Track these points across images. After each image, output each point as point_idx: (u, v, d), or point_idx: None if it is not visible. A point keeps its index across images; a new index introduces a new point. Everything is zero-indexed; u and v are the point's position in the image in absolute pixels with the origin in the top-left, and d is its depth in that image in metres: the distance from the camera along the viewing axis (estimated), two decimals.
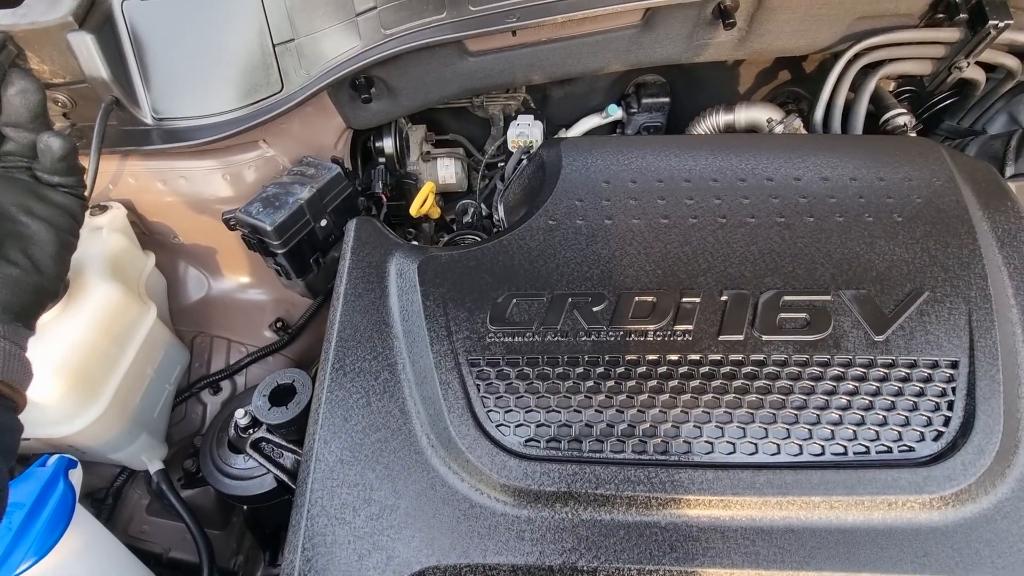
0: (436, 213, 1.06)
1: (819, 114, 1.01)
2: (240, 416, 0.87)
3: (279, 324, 1.15)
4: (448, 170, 1.27)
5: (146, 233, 1.07)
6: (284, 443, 0.81)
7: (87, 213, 0.94)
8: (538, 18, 0.83)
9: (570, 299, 0.64)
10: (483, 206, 1.15)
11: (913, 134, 0.97)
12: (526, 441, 0.58)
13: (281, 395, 0.86)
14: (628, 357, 0.61)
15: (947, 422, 0.57)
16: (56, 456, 0.69)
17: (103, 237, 0.91)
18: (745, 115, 1.18)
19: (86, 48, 0.83)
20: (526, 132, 0.97)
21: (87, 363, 0.79)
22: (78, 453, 0.87)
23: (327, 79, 0.88)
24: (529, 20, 0.83)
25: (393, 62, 0.92)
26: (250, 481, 0.90)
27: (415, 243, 1.00)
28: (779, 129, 1.07)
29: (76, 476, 0.69)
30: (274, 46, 0.88)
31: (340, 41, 0.89)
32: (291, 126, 1.00)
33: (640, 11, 0.89)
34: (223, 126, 0.91)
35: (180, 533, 0.96)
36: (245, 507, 0.95)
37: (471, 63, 0.97)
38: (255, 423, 0.86)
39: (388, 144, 1.11)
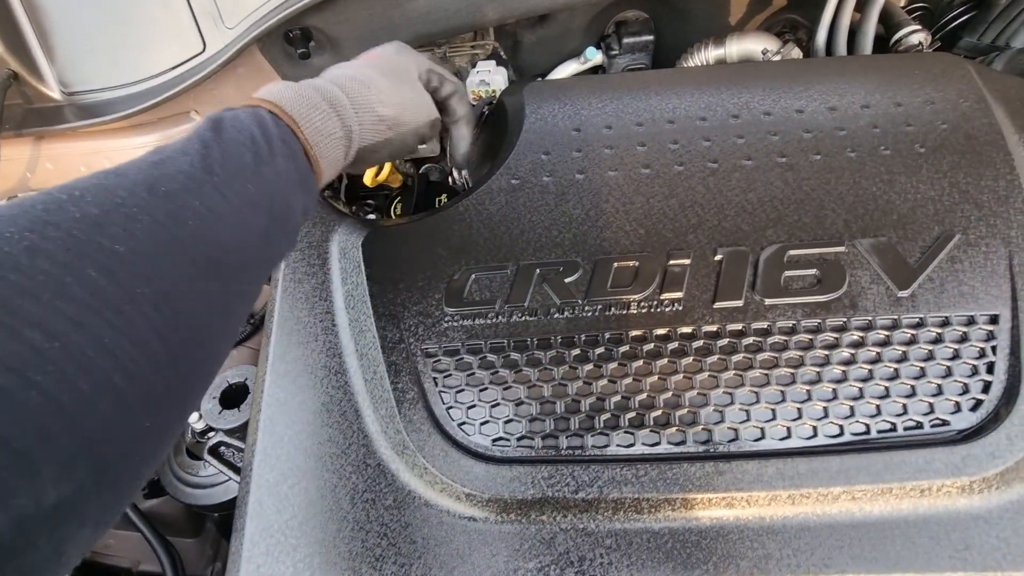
0: (396, 181, 0.96)
1: (821, 38, 0.88)
2: (195, 420, 0.79)
3: None
4: (493, 75, 1.13)
5: None
6: (243, 446, 0.73)
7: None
8: None
9: (538, 270, 0.55)
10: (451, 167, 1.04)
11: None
12: (494, 441, 0.50)
13: (233, 396, 0.78)
14: (608, 335, 0.52)
15: (987, 388, 0.48)
16: None
17: None
18: (737, 48, 1.05)
19: None
20: (487, 80, 0.85)
21: None
22: None
23: (252, 32, 0.76)
24: None
25: (329, 7, 0.79)
26: (214, 488, 0.82)
27: (369, 216, 0.90)
28: (775, 60, 0.95)
29: None
30: None
31: None
32: (224, 91, 0.88)
33: None
34: (141, 96, 0.79)
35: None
36: (215, 514, 0.88)
37: (419, 3, 0.84)
38: (211, 427, 0.78)
39: None
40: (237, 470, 0.77)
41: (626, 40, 1.11)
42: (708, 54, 1.08)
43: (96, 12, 0.77)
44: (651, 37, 1.12)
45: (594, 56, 1.12)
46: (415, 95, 0.55)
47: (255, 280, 0.38)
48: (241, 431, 0.75)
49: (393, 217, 0.92)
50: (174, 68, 0.79)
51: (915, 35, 0.85)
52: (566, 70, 1.14)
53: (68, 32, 0.78)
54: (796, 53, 0.98)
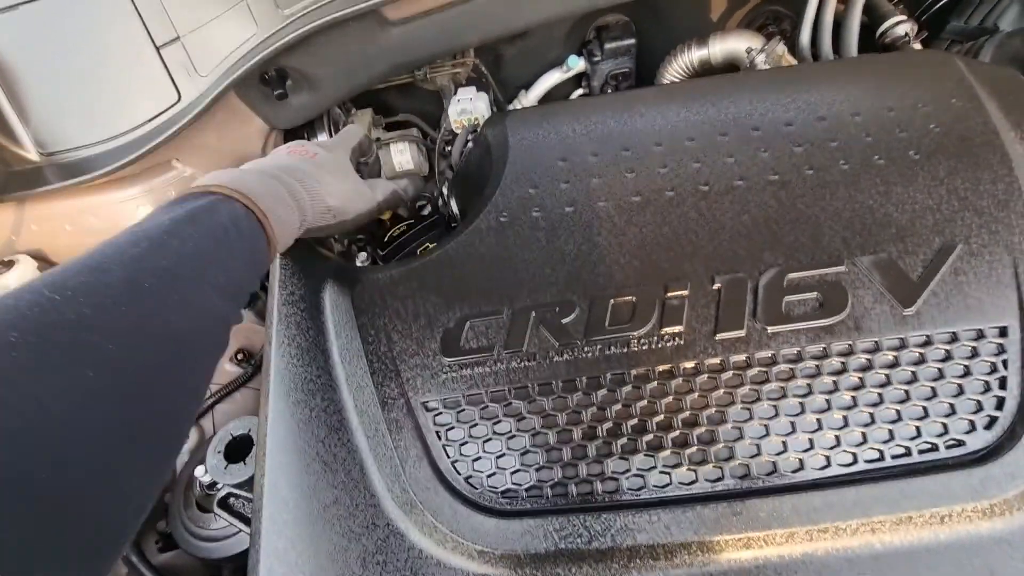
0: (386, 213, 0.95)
1: (805, 36, 0.87)
2: (201, 474, 0.79)
3: (240, 356, 1.05)
4: (403, 155, 1.13)
5: None
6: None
7: None
8: None
9: (534, 313, 0.54)
10: (444, 191, 1.03)
11: (917, 44, 0.83)
12: (502, 494, 0.49)
13: (238, 448, 0.77)
14: (610, 375, 0.51)
15: (1000, 404, 0.47)
16: None
17: None
18: (721, 47, 1.03)
19: None
20: (469, 108, 0.84)
21: None
22: None
23: (227, 79, 0.75)
24: None
25: (303, 47, 0.78)
26: (225, 541, 0.82)
27: (363, 264, 0.89)
28: (760, 59, 0.93)
29: None
30: (157, 49, 0.74)
31: (232, 31, 0.75)
32: (205, 138, 0.87)
33: None
34: (121, 151, 0.78)
35: None
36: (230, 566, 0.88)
37: (395, 34, 0.82)
38: None
39: (323, 140, 0.98)
40: (247, 520, 0.76)
41: (608, 45, 1.10)
42: (692, 56, 1.06)
43: (67, 71, 0.76)
44: (633, 40, 1.10)
45: (576, 64, 1.11)
46: (356, 187, 0.63)
47: (211, 362, 0.41)
48: (249, 483, 0.74)
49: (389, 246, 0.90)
50: (151, 120, 0.78)
51: (901, 26, 0.83)
52: (549, 80, 1.13)
53: (40, 92, 0.76)
54: (781, 48, 0.96)
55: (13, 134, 0.77)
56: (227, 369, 1.05)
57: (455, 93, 1.05)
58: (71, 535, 0.27)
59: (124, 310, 0.32)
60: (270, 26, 0.74)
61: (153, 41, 0.74)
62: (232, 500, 0.78)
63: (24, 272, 0.84)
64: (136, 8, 0.72)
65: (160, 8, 0.73)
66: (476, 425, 0.51)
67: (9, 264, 0.85)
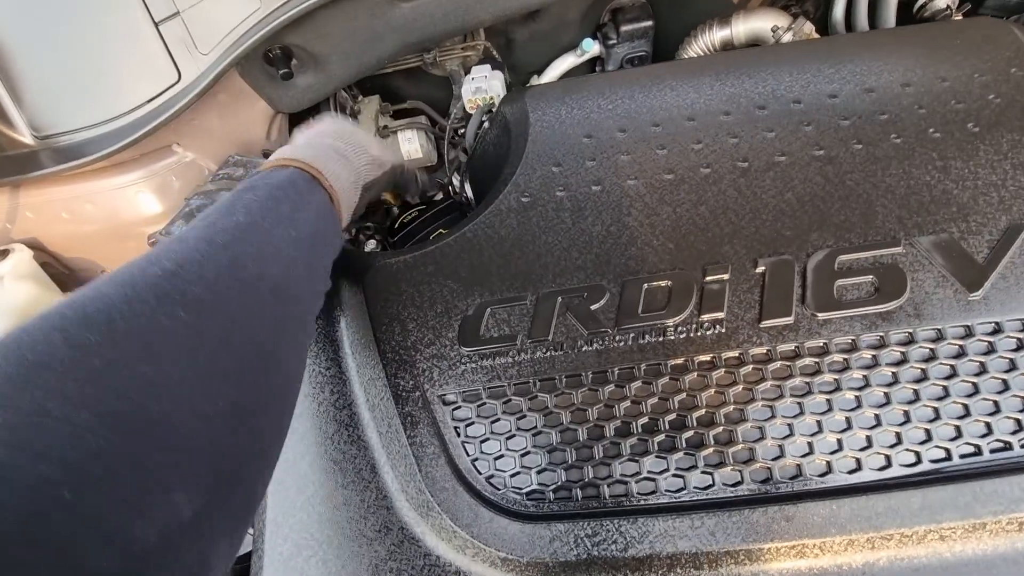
0: (394, 196, 0.91)
1: (839, 9, 0.82)
2: None
3: None
4: (412, 143, 1.10)
5: (67, 272, 0.92)
6: None
7: None
8: None
9: (560, 298, 0.50)
10: (456, 176, 0.99)
11: (959, 16, 0.78)
12: (528, 495, 0.45)
13: None
14: (644, 366, 0.46)
15: None
16: None
17: (5, 288, 0.77)
18: (744, 27, 0.99)
19: None
20: (484, 87, 0.80)
21: None
22: None
23: (228, 57, 0.71)
24: None
25: (308, 23, 0.74)
26: None
27: (371, 248, 0.85)
28: (787, 38, 0.89)
29: None
30: (156, 25, 0.70)
31: (235, 5, 0.71)
32: (207, 121, 0.83)
33: None
34: (118, 133, 0.74)
35: None
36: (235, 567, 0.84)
37: (404, 10, 0.78)
38: None
39: None
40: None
41: (624, 28, 1.05)
42: (713, 36, 1.02)
43: (63, 50, 0.72)
44: (650, 23, 1.05)
45: (591, 48, 1.06)
46: (379, 141, 0.65)
47: (307, 312, 0.42)
48: None
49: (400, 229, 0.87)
50: (150, 101, 0.74)
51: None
52: (563, 65, 1.08)
53: (34, 73, 0.73)
54: (808, 27, 0.91)
55: (7, 116, 0.74)
56: None
57: (466, 75, 1.01)
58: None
59: (202, 261, 0.34)
60: (274, 1, 0.70)
61: (152, 16, 0.70)
62: None
63: (19, 261, 0.81)
64: None
65: None
66: (498, 420, 0.47)
67: (4, 253, 0.81)
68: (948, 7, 0.78)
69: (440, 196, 0.95)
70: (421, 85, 1.13)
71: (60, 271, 0.91)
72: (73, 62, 0.72)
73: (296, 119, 0.98)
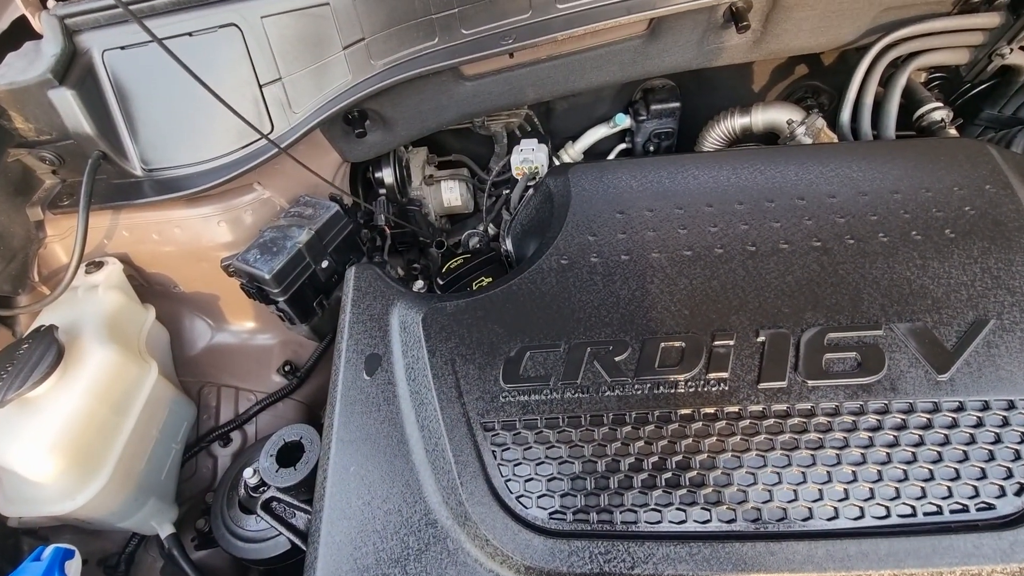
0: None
1: (846, 114, 0.93)
2: (249, 476, 0.83)
3: (287, 367, 1.11)
4: (453, 192, 1.22)
5: (146, 285, 1.03)
6: (296, 503, 0.76)
7: (82, 271, 0.92)
8: (535, 38, 0.78)
9: (589, 349, 0.59)
10: (491, 226, 1.10)
11: (952, 129, 0.89)
12: (551, 514, 0.53)
13: (289, 453, 0.81)
14: (658, 413, 0.55)
15: None
16: (52, 547, 0.65)
17: (99, 296, 0.88)
18: (762, 117, 1.10)
19: (68, 104, 0.80)
20: (530, 158, 0.92)
21: (85, 435, 0.76)
22: (84, 524, 0.83)
23: (318, 117, 0.84)
24: (525, 41, 0.78)
25: (386, 93, 0.87)
26: (263, 543, 0.85)
27: (420, 290, 0.95)
28: (800, 131, 1.00)
29: (74, 567, 0.65)
30: (260, 87, 0.84)
31: (329, 76, 0.84)
32: (285, 166, 0.95)
33: (645, 21, 0.83)
34: (214, 173, 0.87)
35: None
36: (261, 568, 0.91)
37: (468, 88, 0.91)
38: (265, 482, 0.82)
39: (388, 174, 1.07)
40: (288, 525, 0.80)
41: (654, 106, 1.18)
42: (735, 122, 1.13)
43: (176, 99, 0.85)
44: (678, 104, 1.18)
45: (623, 122, 1.18)
46: None
47: None
48: (296, 488, 0.78)
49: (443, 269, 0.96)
50: (244, 147, 0.87)
51: (937, 112, 0.89)
52: (596, 134, 1.21)
53: (151, 117, 0.86)
54: (820, 122, 1.03)
55: (123, 151, 0.86)
56: (274, 380, 1.10)
57: (508, 138, 1.13)
58: None
59: None
60: (362, 74, 0.83)
61: (258, 79, 0.83)
62: (275, 504, 0.82)
63: (112, 273, 0.92)
64: (248, 52, 0.81)
65: (268, 52, 0.82)
66: (530, 448, 0.55)
67: (99, 265, 0.93)
68: (943, 120, 0.89)
69: (476, 240, 1.05)
70: (465, 141, 1.26)
71: (140, 283, 1.02)
72: (187, 111, 0.85)
73: (357, 165, 1.11)
